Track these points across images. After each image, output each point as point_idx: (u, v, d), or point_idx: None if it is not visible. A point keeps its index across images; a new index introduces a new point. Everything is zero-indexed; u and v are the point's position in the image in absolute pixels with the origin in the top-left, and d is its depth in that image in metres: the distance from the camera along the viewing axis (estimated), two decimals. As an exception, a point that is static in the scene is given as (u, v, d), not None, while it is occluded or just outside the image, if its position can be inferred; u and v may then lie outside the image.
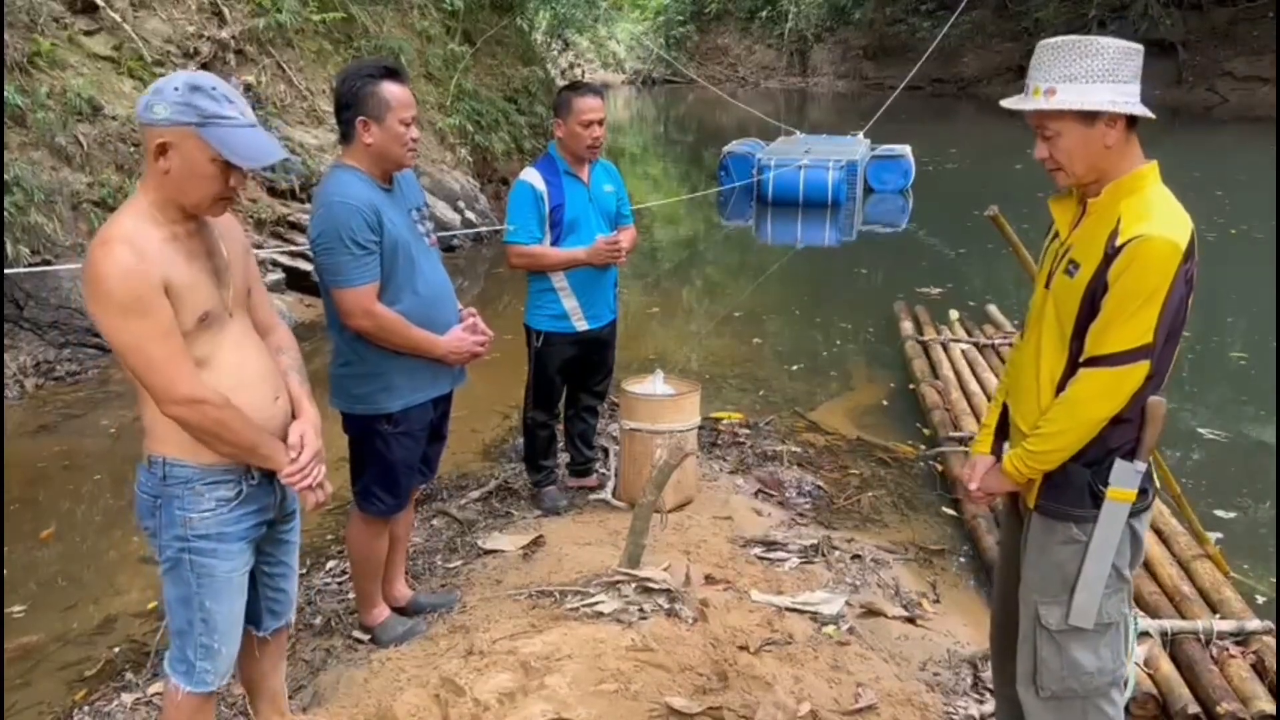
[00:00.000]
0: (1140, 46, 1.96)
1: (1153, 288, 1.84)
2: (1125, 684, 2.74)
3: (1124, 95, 1.89)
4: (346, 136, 2.78)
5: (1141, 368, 1.89)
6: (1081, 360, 1.95)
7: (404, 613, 3.22)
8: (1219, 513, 4.25)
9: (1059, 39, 1.96)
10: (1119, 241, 1.87)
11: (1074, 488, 2.00)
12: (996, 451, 2.25)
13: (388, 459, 2.91)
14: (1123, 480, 1.96)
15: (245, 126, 1.96)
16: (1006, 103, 2.04)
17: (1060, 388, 1.99)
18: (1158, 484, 2.11)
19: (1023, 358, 2.15)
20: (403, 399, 2.87)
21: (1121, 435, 1.97)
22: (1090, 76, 1.89)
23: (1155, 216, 1.88)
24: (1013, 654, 2.19)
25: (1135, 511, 1.99)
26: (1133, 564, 2.05)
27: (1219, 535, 3.79)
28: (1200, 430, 5.17)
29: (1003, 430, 2.26)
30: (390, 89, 2.71)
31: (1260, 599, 3.54)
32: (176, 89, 1.92)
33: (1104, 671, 2.06)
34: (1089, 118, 1.90)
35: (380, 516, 3.00)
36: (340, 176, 2.75)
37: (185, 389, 1.96)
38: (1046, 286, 2.07)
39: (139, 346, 1.92)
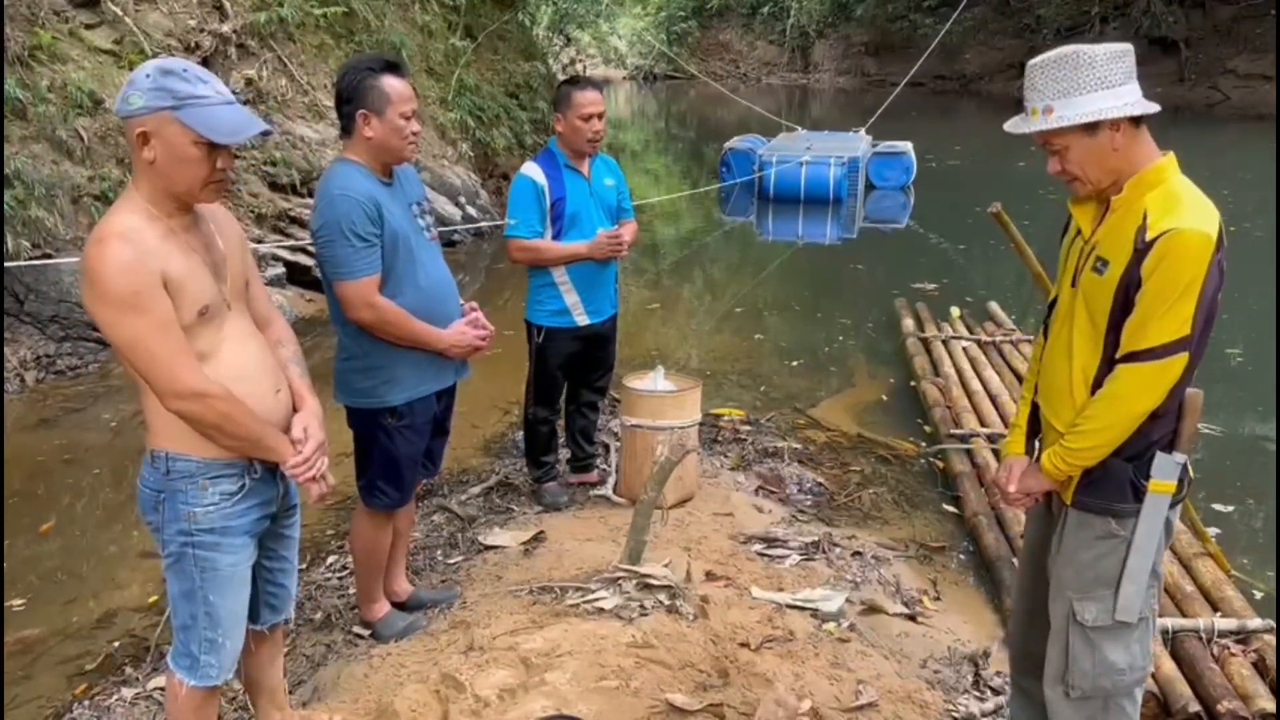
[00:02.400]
0: (1129, 46, 1.96)
1: (1189, 280, 1.85)
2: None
3: (1120, 98, 1.90)
4: (347, 130, 2.79)
5: (1181, 359, 1.90)
6: (1119, 356, 1.95)
7: (404, 608, 3.22)
8: (1216, 506, 4.26)
9: (1045, 56, 1.97)
10: (1149, 236, 1.87)
11: (1114, 482, 2.00)
12: (1029, 452, 2.24)
13: (392, 453, 2.91)
14: (1164, 472, 1.97)
15: (221, 104, 1.94)
16: (1008, 126, 2.05)
17: (1095, 384, 1.99)
18: (1191, 474, 2.10)
19: (1054, 357, 2.14)
20: (406, 392, 2.87)
21: (1161, 428, 1.98)
22: (1083, 88, 1.90)
23: (1183, 209, 1.88)
24: (1032, 648, 2.19)
25: (1172, 503, 2.00)
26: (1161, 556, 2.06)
27: (1216, 530, 3.80)
28: (1196, 425, 5.16)
29: (1033, 430, 2.25)
30: (391, 83, 2.72)
31: (1258, 594, 3.55)
32: (148, 76, 1.91)
33: (1135, 668, 2.06)
34: (1091, 128, 1.92)
35: (384, 510, 3.00)
36: (341, 170, 2.76)
37: (188, 382, 1.95)
38: (1073, 285, 2.07)
39: (139, 342, 1.92)
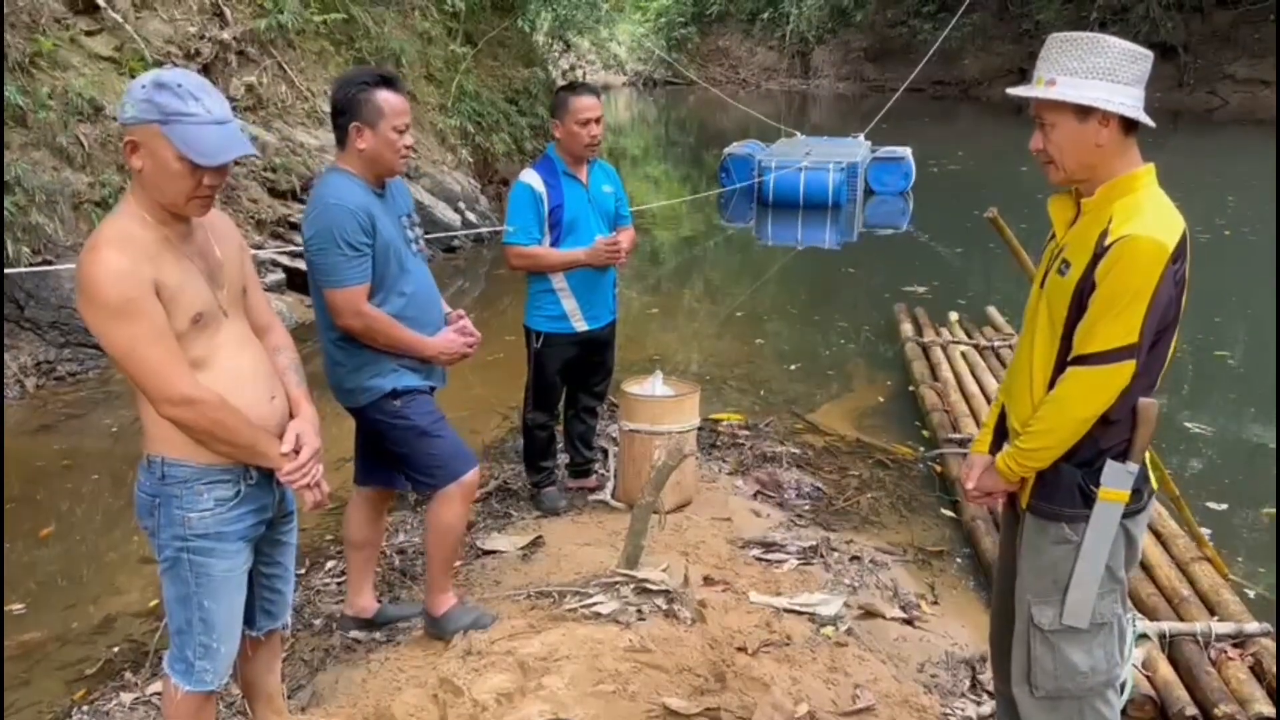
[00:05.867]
0: (1150, 53, 1.97)
1: (1138, 287, 1.85)
2: (1123, 686, 2.75)
3: (1122, 96, 1.90)
4: (341, 141, 2.82)
5: (1127, 367, 1.89)
6: (1069, 359, 1.96)
7: (371, 624, 3.20)
8: (1210, 505, 4.29)
9: (1069, 33, 1.98)
10: (1108, 241, 1.88)
11: (1065, 488, 2.01)
12: (994, 452, 2.26)
13: (418, 426, 2.88)
14: (1114, 481, 1.96)
15: (209, 123, 1.94)
16: (1013, 90, 2.07)
17: (1052, 386, 2.00)
18: (1154, 486, 2.11)
19: (1017, 358, 2.16)
20: (398, 379, 2.88)
21: (1113, 436, 1.97)
22: (1090, 73, 1.91)
23: (1145, 217, 1.89)
24: (1010, 654, 2.19)
25: (1129, 513, 1.99)
26: (1127, 565, 2.05)
27: (1208, 531, 3.81)
28: (1187, 425, 5.22)
29: (1002, 431, 2.27)
30: (385, 96, 2.75)
31: (1251, 593, 3.56)
32: (143, 87, 1.92)
33: (1098, 671, 2.06)
34: (1083, 113, 1.92)
35: (454, 480, 2.89)
36: (334, 180, 2.79)
37: (180, 389, 1.96)
38: (1041, 286, 2.09)
39: (133, 349, 1.93)
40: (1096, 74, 1.91)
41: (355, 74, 2.85)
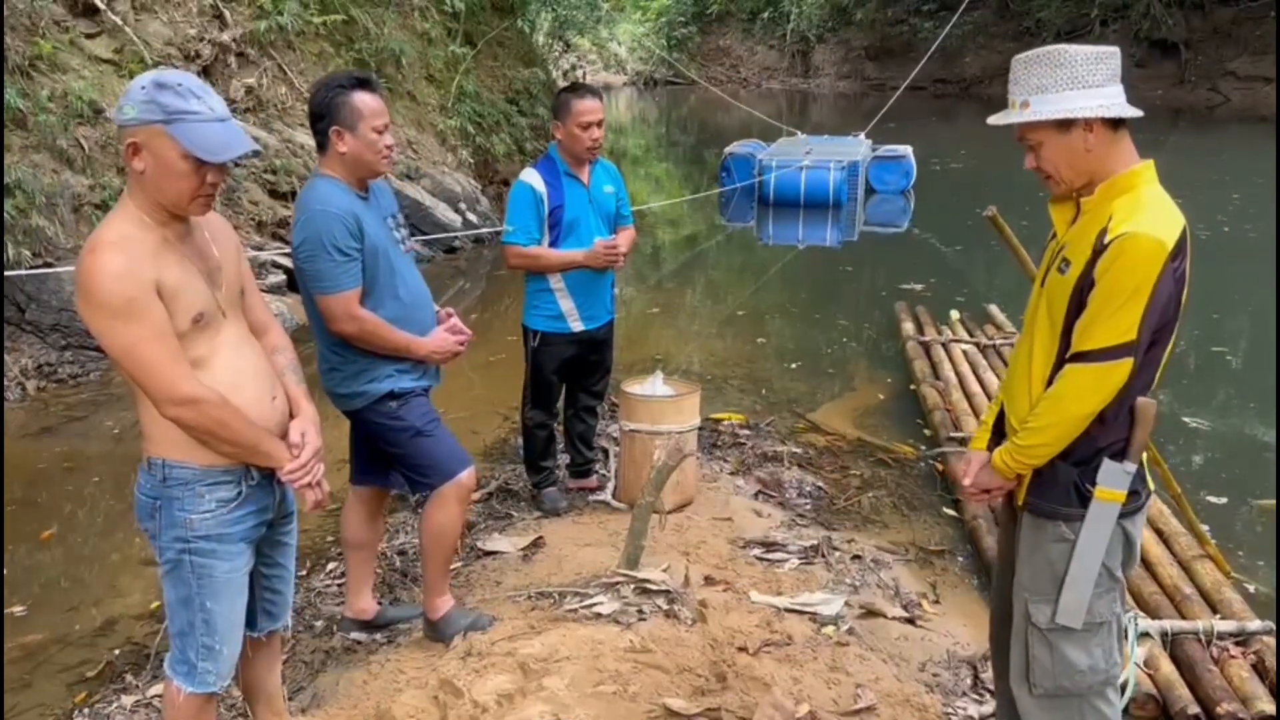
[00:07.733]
0: (1115, 49, 1.97)
1: (1136, 284, 1.85)
2: (1125, 685, 2.75)
3: (1097, 99, 1.91)
4: (322, 146, 2.82)
5: (1125, 365, 1.89)
6: (1067, 356, 1.96)
7: (371, 626, 3.20)
8: (1210, 499, 4.30)
9: (1031, 52, 1.99)
10: (1108, 238, 1.88)
11: (1061, 486, 2.01)
12: (993, 449, 2.25)
13: (414, 426, 2.88)
14: (1111, 481, 1.96)
15: (212, 121, 1.95)
16: (991, 119, 2.08)
17: (1050, 383, 2.00)
18: (1152, 485, 2.10)
19: (1017, 355, 2.16)
20: (394, 382, 2.88)
21: (1110, 435, 1.97)
22: (1059, 85, 1.92)
23: (1144, 214, 1.89)
24: (1009, 651, 2.19)
25: (1126, 512, 1.98)
26: (1125, 565, 2.05)
27: (1208, 526, 3.80)
28: (1186, 420, 5.23)
29: (1000, 429, 2.26)
30: (362, 98, 2.74)
31: (1251, 588, 3.56)
32: (143, 88, 1.93)
33: (1096, 670, 2.05)
34: (1063, 126, 1.93)
35: (449, 480, 2.90)
36: (320, 186, 2.79)
37: (183, 389, 1.96)
38: (1042, 285, 2.09)
39: (134, 349, 1.93)
40: (1066, 85, 1.91)
41: (330, 79, 2.84)
